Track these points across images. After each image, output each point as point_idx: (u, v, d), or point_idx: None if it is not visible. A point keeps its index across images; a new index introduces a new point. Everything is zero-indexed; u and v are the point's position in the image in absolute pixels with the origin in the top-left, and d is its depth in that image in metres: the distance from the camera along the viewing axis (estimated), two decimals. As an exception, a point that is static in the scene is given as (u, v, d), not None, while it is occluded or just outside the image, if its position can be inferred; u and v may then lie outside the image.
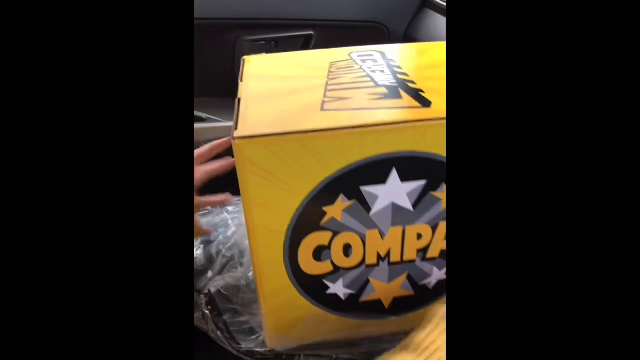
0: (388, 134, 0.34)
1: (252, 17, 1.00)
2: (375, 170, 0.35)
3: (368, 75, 0.42)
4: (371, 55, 0.47)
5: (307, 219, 0.37)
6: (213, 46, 1.00)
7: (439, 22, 0.95)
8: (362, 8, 1.01)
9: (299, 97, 0.39)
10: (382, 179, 0.36)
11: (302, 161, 0.34)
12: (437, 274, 0.44)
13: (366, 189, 0.36)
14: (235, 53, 1.02)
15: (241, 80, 0.42)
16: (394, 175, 0.36)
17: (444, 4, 0.93)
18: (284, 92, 0.40)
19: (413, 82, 0.40)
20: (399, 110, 0.36)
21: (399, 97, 0.37)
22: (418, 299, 0.45)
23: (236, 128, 0.33)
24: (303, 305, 0.43)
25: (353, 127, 0.33)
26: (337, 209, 0.37)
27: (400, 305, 0.45)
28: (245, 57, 0.46)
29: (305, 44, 1.04)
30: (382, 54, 0.47)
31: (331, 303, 0.43)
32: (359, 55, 0.47)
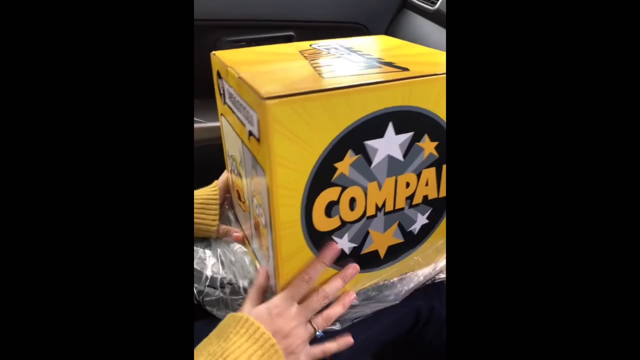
0: (387, 90, 0.39)
1: (232, 18, 0.99)
2: (375, 125, 0.40)
3: (341, 56, 0.48)
4: (330, 44, 0.54)
5: (321, 176, 0.40)
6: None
7: (418, 23, 0.96)
8: (342, 9, 1.02)
9: (293, 71, 0.43)
10: (380, 133, 0.41)
11: (319, 119, 0.37)
12: (420, 220, 0.49)
13: (369, 143, 0.40)
14: (215, 54, 1.00)
15: (217, 71, 0.47)
16: (390, 128, 0.41)
17: (423, 5, 0.95)
18: (276, 69, 0.44)
19: (381, 59, 0.47)
20: (387, 74, 0.41)
21: (380, 67, 0.43)
22: (406, 245, 0.50)
23: (256, 91, 0.36)
24: None
25: (361, 85, 0.38)
26: (345, 164, 0.40)
27: (392, 253, 0.50)
28: (215, 52, 0.50)
29: (285, 45, 1.03)
30: (340, 44, 0.54)
31: (337, 259, 0.46)
32: (319, 46, 0.53)
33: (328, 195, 0.41)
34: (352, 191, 0.42)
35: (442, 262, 0.55)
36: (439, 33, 0.88)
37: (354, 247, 0.46)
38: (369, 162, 0.41)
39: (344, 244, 0.45)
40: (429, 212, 0.49)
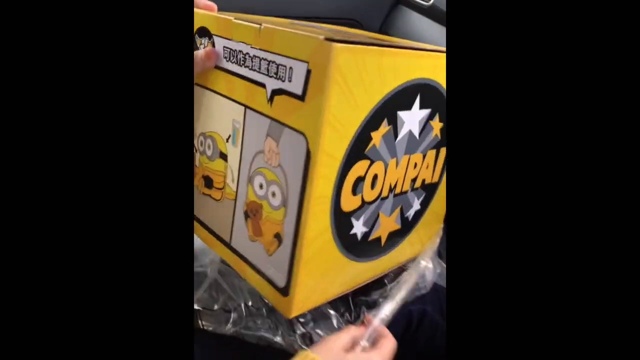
0: (428, 58, 0.39)
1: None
2: (408, 95, 0.39)
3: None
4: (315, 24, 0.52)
5: (359, 144, 0.38)
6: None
7: (413, 19, 0.95)
8: (336, 5, 1.01)
9: (319, 29, 0.41)
10: (410, 105, 0.40)
11: (372, 77, 0.35)
12: (415, 205, 0.49)
13: (400, 114, 0.39)
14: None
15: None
16: (417, 101, 0.40)
17: (418, 0, 0.94)
18: (298, 26, 0.41)
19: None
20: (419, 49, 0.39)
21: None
22: (401, 232, 0.50)
23: (310, 38, 0.33)
24: (331, 250, 0.42)
25: (413, 49, 0.38)
26: (379, 135, 0.39)
27: (390, 241, 0.49)
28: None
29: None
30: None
31: (350, 246, 0.44)
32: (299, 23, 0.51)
33: (358, 169, 0.39)
34: (377, 167, 0.40)
35: (426, 255, 0.54)
36: (434, 29, 0.87)
37: (365, 233, 0.44)
38: (395, 135, 0.40)
39: (358, 227, 0.43)
40: (422, 196, 0.48)
